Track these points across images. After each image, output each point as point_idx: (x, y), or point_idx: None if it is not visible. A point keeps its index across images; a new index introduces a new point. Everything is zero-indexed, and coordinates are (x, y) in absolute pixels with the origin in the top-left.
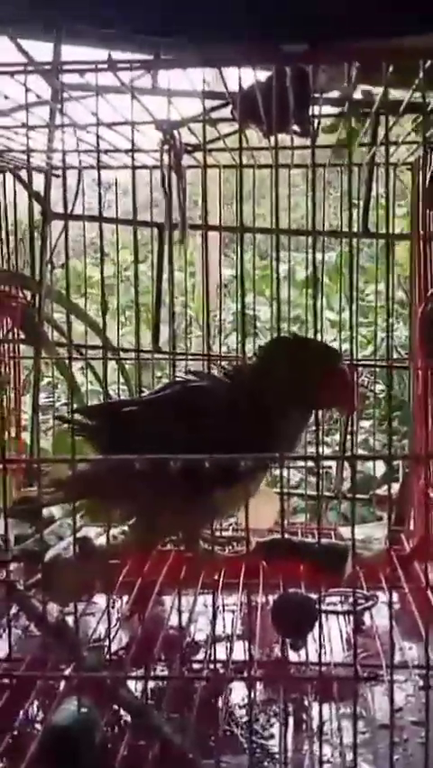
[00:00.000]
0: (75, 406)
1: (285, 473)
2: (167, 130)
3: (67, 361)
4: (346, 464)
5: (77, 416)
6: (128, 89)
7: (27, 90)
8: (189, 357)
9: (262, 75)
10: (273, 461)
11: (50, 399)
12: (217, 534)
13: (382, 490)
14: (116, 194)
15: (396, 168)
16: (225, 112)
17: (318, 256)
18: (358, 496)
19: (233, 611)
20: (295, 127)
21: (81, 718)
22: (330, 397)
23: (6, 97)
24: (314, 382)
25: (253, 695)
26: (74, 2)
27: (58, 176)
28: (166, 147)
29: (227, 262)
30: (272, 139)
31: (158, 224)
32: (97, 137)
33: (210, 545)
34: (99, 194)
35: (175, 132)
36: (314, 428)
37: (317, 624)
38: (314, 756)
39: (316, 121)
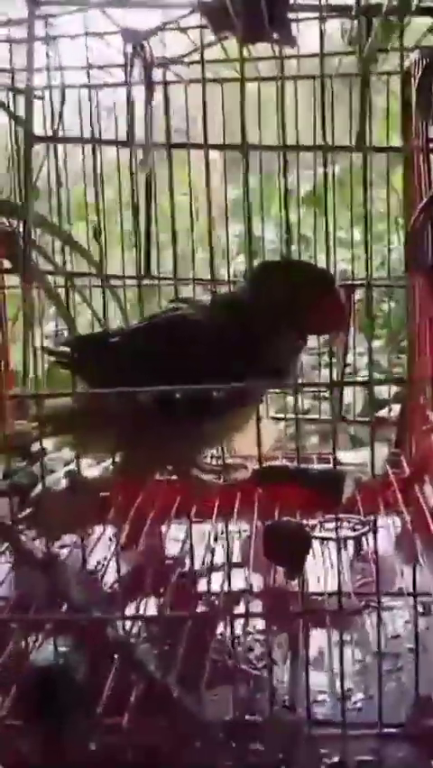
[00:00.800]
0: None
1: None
2: (134, 41)
3: (60, 292)
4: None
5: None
6: None
7: None
8: (194, 281)
9: None
10: (258, 390)
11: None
12: (213, 461)
13: (382, 412)
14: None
15: (390, 76)
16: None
17: (321, 172)
18: (358, 419)
19: (228, 538)
20: (275, 35)
21: (62, 658)
22: (321, 322)
23: None
24: (303, 306)
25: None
26: None
27: (41, 97)
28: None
29: (233, 183)
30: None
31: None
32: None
33: (204, 473)
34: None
35: (145, 43)
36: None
37: (311, 551)
38: (308, 686)
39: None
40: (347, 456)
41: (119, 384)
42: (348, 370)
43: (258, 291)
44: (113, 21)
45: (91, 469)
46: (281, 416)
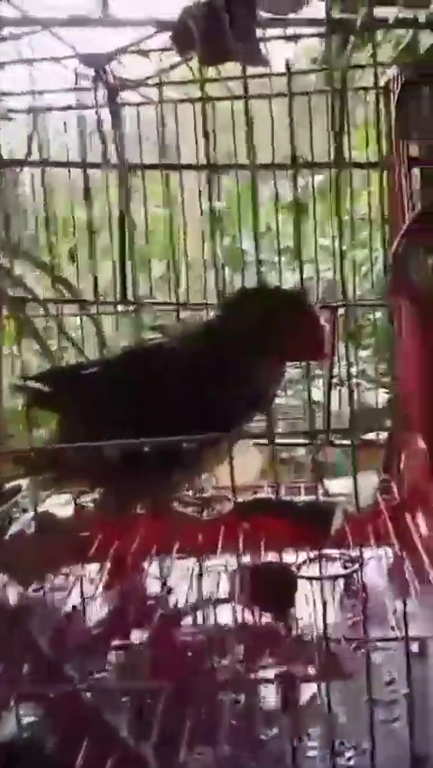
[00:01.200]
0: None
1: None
2: (96, 65)
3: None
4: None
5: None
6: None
7: None
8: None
9: None
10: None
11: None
12: (196, 494)
13: (369, 435)
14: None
15: (366, 92)
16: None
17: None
18: (343, 442)
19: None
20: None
21: (28, 729)
22: (300, 349)
23: None
24: (281, 334)
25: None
26: None
27: (10, 119)
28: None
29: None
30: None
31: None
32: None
33: (185, 507)
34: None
35: (107, 67)
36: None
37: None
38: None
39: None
40: (336, 485)
41: (94, 416)
42: (335, 380)
43: (234, 318)
44: (66, 43)
45: (64, 508)
46: (264, 441)
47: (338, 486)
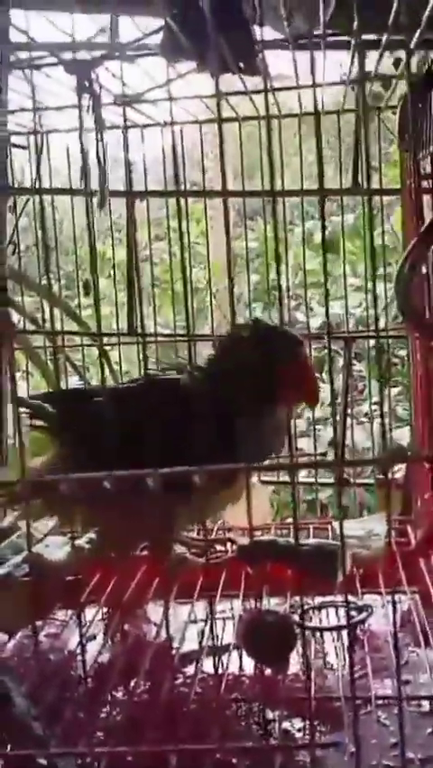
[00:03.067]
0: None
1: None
2: (80, 73)
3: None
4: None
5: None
6: None
7: None
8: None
9: None
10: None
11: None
12: (198, 535)
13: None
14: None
15: (380, 111)
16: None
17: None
18: (360, 481)
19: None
20: (240, 64)
21: None
22: (290, 393)
23: None
24: (274, 378)
25: None
26: None
27: (17, 146)
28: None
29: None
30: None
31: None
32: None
33: (187, 549)
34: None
35: (93, 75)
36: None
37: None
38: None
39: None
40: (347, 527)
41: (96, 443)
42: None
43: (230, 361)
44: (56, 55)
45: (57, 551)
46: (273, 479)
47: (351, 527)
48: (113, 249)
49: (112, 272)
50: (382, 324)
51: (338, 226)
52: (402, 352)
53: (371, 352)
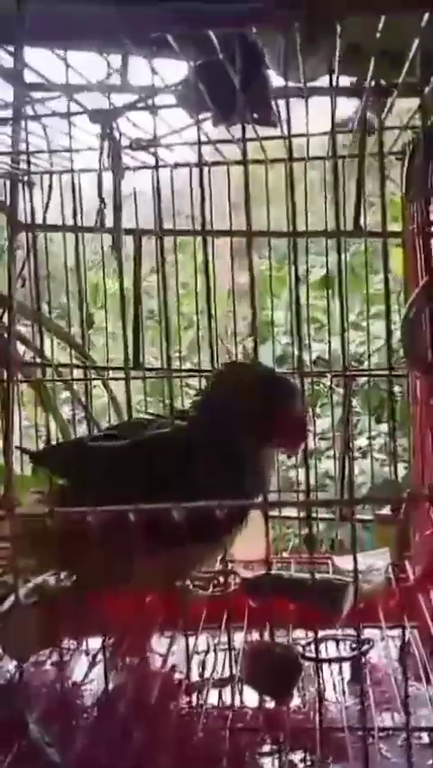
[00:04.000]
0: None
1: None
2: (103, 122)
3: (44, 384)
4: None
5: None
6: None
7: None
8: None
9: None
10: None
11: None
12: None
13: (385, 510)
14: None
15: (383, 158)
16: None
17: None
18: (360, 517)
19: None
20: (254, 115)
21: None
22: (280, 437)
23: None
24: (263, 420)
25: None
26: None
27: (32, 183)
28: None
29: (243, 267)
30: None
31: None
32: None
33: (190, 583)
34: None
35: (114, 123)
36: None
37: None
38: None
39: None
40: (346, 561)
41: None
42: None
43: (220, 404)
44: (77, 101)
45: (63, 581)
46: (274, 513)
47: (349, 563)
48: (104, 280)
49: (104, 303)
50: (374, 361)
51: (333, 264)
52: (396, 388)
53: (364, 388)
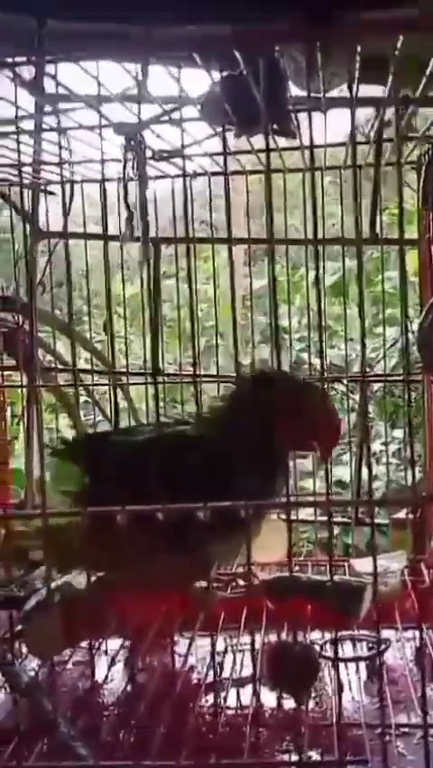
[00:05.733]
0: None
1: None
2: (129, 134)
3: (65, 389)
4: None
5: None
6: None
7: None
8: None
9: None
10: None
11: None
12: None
13: (400, 514)
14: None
15: (401, 167)
16: (193, 113)
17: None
18: (376, 521)
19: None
20: (275, 126)
21: None
22: (314, 440)
23: None
24: (299, 425)
25: None
26: None
27: (52, 193)
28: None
29: (256, 273)
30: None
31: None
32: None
33: (209, 585)
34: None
35: (139, 135)
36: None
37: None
38: None
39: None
40: (363, 564)
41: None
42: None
43: (250, 407)
44: (103, 115)
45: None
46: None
47: (367, 565)
48: (124, 286)
49: (122, 310)
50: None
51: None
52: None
53: (377, 394)
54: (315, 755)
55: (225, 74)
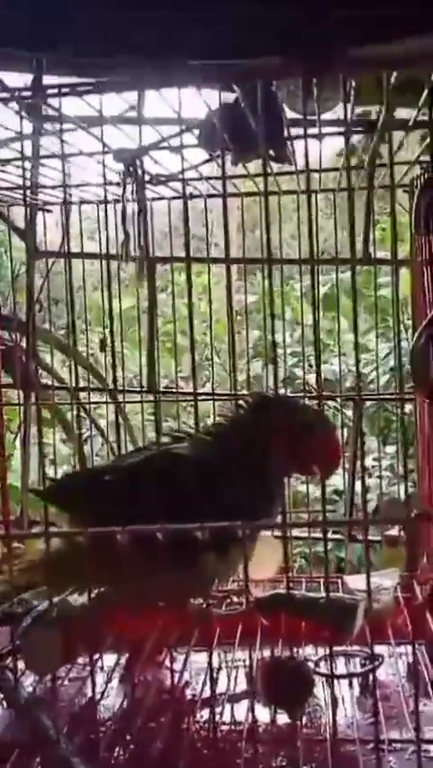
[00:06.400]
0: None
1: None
2: (127, 160)
3: (62, 407)
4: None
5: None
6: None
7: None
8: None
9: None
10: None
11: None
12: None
13: (392, 531)
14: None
15: (393, 189)
16: (192, 139)
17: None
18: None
19: (232, 669)
20: (271, 152)
21: None
22: (316, 464)
23: None
24: (302, 450)
25: None
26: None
27: (49, 211)
28: (128, 179)
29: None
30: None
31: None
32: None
33: (204, 602)
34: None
35: (137, 161)
36: None
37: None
38: None
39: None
40: (356, 581)
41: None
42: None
43: (253, 429)
44: (105, 144)
45: (82, 597)
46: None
47: (360, 582)
48: (120, 301)
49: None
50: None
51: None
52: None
53: (370, 410)
54: None
55: (222, 103)
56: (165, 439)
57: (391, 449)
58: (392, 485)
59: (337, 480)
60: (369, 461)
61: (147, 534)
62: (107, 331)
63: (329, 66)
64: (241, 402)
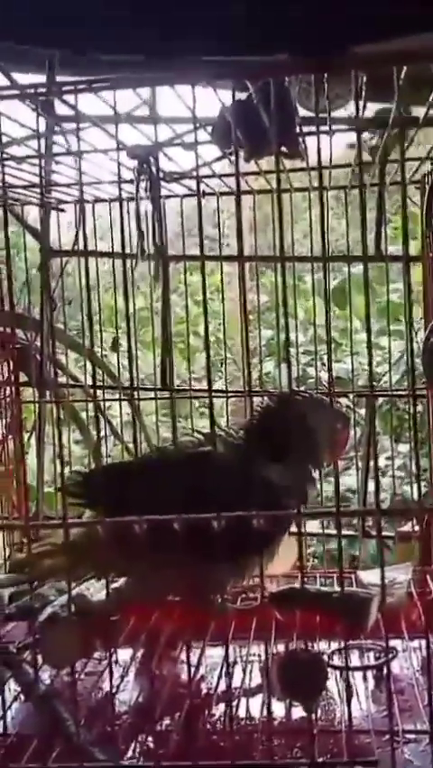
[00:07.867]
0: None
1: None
2: (141, 156)
3: (77, 405)
4: None
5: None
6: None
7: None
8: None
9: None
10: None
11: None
12: None
13: (405, 527)
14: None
15: (405, 186)
16: (206, 136)
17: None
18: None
19: (247, 664)
20: (283, 149)
21: None
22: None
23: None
24: (320, 445)
25: None
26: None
27: (62, 210)
28: (142, 176)
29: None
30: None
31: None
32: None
33: (221, 597)
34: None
35: (152, 158)
36: None
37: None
38: None
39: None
40: (370, 576)
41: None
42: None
43: (276, 429)
44: (110, 135)
45: (99, 592)
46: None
47: (373, 577)
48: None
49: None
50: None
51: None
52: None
53: (381, 408)
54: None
55: (235, 100)
56: (190, 439)
57: (403, 448)
58: (405, 484)
59: (350, 480)
60: (382, 461)
61: (202, 528)
62: (121, 331)
63: (331, 63)
64: (266, 399)
